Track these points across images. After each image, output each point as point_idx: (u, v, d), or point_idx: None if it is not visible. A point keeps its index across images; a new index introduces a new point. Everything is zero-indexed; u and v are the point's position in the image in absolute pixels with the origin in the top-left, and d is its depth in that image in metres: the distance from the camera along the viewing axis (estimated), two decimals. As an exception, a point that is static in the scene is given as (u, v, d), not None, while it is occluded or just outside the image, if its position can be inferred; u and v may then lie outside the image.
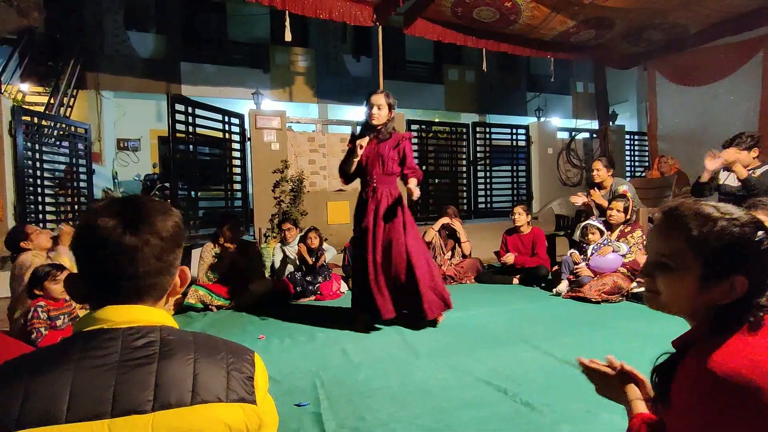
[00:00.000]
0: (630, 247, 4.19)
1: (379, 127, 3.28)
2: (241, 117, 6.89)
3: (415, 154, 7.12)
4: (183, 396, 0.70)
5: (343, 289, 4.64)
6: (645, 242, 4.22)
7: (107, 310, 0.77)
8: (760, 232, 0.87)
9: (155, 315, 0.80)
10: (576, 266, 4.30)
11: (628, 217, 4.37)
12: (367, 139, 3.26)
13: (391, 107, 3.30)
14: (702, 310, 0.90)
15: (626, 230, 4.32)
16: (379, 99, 3.26)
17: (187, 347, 0.75)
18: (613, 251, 4.16)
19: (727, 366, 0.80)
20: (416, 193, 3.14)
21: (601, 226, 4.35)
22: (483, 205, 8.99)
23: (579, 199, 4.73)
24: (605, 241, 4.30)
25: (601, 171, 4.62)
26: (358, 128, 3.57)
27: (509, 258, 4.91)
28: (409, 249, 3.22)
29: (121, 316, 0.76)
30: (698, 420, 0.84)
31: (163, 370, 0.71)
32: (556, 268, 4.55)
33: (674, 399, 0.90)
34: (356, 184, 3.55)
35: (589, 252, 4.31)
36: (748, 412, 0.78)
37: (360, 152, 3.26)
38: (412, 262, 3.20)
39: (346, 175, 3.45)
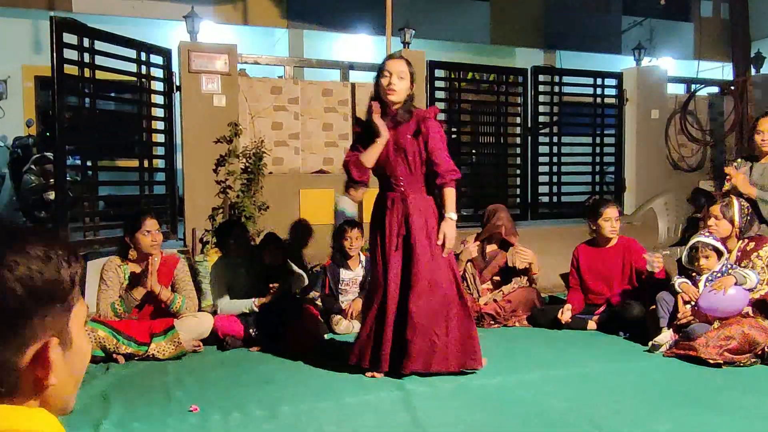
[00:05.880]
0: (759, 275, 3.83)
1: (395, 106, 3.29)
2: (166, 53, 6.34)
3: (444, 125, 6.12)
4: None
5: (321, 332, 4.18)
6: None
7: None
8: None
9: (27, 420, 0.74)
10: (682, 308, 3.94)
11: (741, 226, 4.09)
12: (378, 105, 3.29)
13: (412, 79, 3.34)
14: None
15: (748, 247, 3.87)
16: (399, 65, 3.33)
17: None
18: (736, 283, 3.79)
19: None
20: (449, 241, 3.36)
21: (720, 246, 3.90)
22: (546, 199, 8.08)
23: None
24: (725, 268, 3.93)
25: None
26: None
27: (566, 315, 4.43)
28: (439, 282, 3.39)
29: None
30: None
31: None
32: (653, 307, 4.10)
33: None
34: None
35: (701, 285, 3.90)
36: None
37: (382, 130, 3.32)
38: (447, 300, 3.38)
39: (358, 174, 3.51)
